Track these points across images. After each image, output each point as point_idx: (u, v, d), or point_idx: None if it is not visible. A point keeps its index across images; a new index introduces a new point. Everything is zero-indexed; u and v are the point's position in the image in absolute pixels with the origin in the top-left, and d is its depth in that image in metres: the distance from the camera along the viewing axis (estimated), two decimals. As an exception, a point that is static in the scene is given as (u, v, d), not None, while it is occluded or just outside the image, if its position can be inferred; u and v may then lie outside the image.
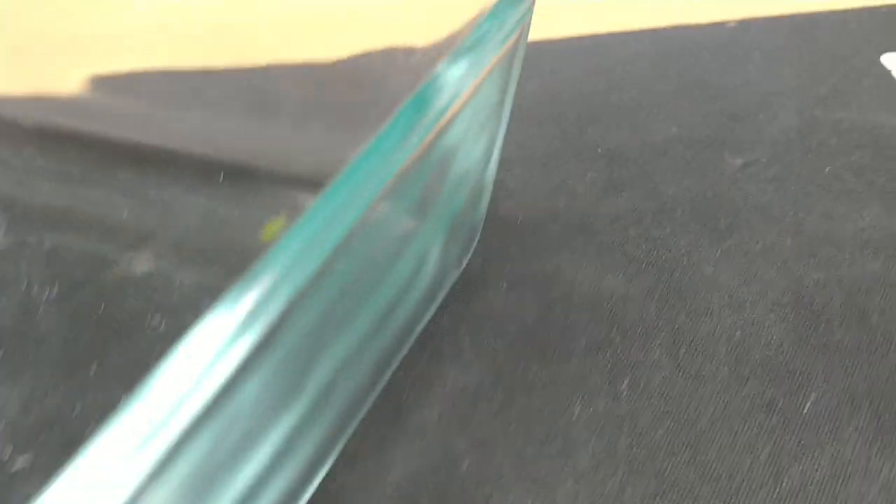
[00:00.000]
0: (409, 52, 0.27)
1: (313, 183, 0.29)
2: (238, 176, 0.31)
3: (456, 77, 0.18)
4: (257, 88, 0.31)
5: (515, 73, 0.23)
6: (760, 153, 0.33)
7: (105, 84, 0.32)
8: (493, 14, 0.20)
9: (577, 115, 0.35)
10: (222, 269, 0.28)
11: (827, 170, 0.32)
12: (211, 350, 0.13)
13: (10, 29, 0.32)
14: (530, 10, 0.21)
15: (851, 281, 0.28)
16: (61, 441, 0.23)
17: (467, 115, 0.20)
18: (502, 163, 0.32)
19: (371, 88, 0.28)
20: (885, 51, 0.38)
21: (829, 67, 0.37)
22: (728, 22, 0.40)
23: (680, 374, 0.26)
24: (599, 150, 0.34)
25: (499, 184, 0.32)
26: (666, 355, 0.26)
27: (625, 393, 0.25)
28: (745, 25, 0.40)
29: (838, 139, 0.33)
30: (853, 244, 0.29)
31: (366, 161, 0.16)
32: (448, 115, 0.18)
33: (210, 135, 0.31)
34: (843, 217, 0.30)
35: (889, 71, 0.36)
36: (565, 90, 0.37)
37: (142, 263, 0.28)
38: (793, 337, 0.26)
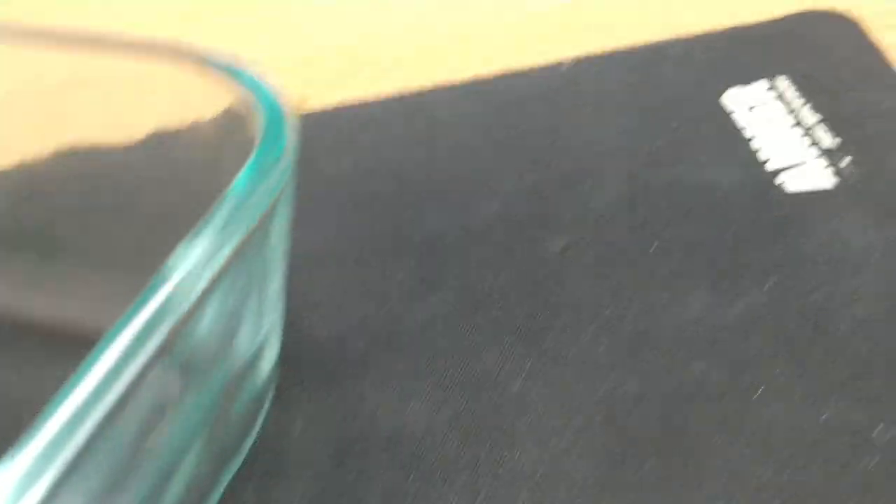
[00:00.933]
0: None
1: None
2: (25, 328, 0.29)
3: (196, 266, 0.18)
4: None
5: (281, 226, 0.21)
6: (583, 232, 0.31)
7: None
8: (244, 181, 0.18)
9: (393, 196, 0.33)
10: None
11: (654, 247, 0.30)
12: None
13: None
14: (290, 166, 0.20)
15: (669, 392, 0.26)
16: None
17: (219, 294, 0.18)
18: (310, 266, 0.30)
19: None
20: (728, 84, 0.36)
21: (666, 114, 0.35)
22: (562, 63, 0.38)
23: (478, 527, 0.24)
24: (416, 240, 0.32)
25: (303, 293, 0.30)
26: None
27: (418, 556, 0.23)
28: (580, 66, 0.38)
29: (668, 206, 0.31)
30: (674, 344, 0.28)
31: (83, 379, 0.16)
32: (190, 307, 0.17)
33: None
34: (665, 309, 0.28)
35: (729, 114, 0.35)
36: (382, 165, 0.35)
37: None
38: (600, 472, 0.25)
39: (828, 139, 0.33)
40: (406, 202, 0.33)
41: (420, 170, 0.35)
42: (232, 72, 0.23)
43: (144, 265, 0.26)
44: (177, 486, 0.22)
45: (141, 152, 0.26)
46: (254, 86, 0.22)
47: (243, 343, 0.22)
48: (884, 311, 0.28)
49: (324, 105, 0.38)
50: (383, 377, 0.28)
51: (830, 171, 0.32)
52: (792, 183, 0.32)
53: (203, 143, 0.25)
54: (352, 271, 0.31)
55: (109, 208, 0.28)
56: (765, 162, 0.33)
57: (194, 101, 0.24)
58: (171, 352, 0.18)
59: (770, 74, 0.36)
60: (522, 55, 0.39)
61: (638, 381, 0.27)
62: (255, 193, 0.20)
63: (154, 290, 0.17)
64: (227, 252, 0.19)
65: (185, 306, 0.18)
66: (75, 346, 0.27)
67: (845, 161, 0.32)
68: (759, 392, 0.26)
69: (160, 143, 0.26)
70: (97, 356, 0.16)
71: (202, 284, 0.19)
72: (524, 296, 0.30)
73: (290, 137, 0.21)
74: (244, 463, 0.26)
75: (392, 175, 0.35)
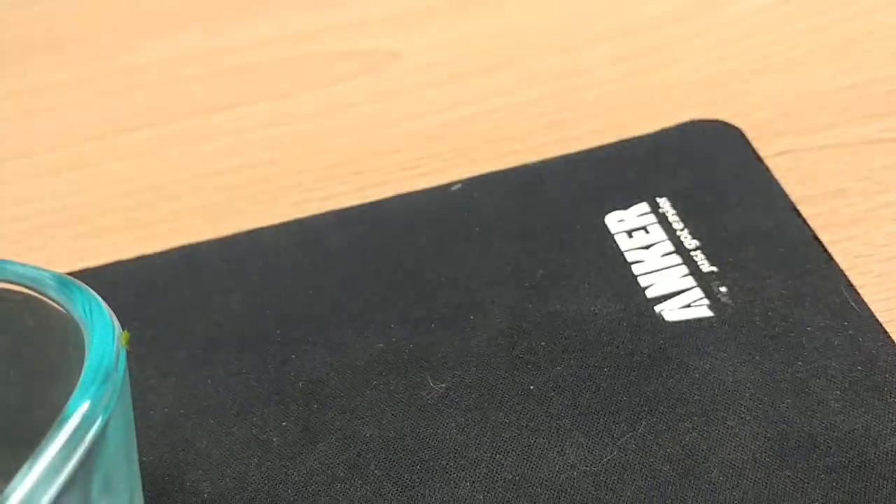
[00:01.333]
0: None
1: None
2: None
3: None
4: None
5: (117, 434, 0.22)
6: (464, 373, 0.32)
7: None
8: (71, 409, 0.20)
9: (280, 336, 0.34)
10: None
11: (532, 388, 0.31)
12: None
13: None
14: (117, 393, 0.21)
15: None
16: None
17: None
18: (194, 417, 0.33)
19: None
20: (611, 206, 0.37)
21: (549, 238, 0.36)
22: (453, 183, 0.39)
23: None
24: (301, 384, 0.32)
25: (184, 449, 0.30)
26: None
27: None
28: (470, 186, 0.39)
29: (547, 342, 0.32)
30: (549, 492, 0.28)
31: None
32: None
33: None
34: (541, 454, 0.29)
35: (612, 234, 0.35)
36: (270, 302, 0.35)
37: None
38: None
39: (706, 265, 0.34)
40: (290, 344, 0.34)
41: (308, 304, 0.35)
42: (64, 292, 0.23)
43: None
44: None
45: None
46: (82, 302, 0.23)
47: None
48: (754, 453, 0.28)
49: (214, 234, 0.38)
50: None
51: (707, 300, 0.33)
52: (670, 313, 0.33)
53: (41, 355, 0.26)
54: (234, 423, 0.32)
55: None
56: (645, 288, 0.34)
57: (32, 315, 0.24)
58: None
59: (651, 196, 0.37)
60: (415, 174, 0.40)
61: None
62: (88, 417, 0.21)
63: None
64: (66, 471, 0.20)
65: None
66: None
67: (723, 289, 0.33)
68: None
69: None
70: None
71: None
72: (406, 444, 0.30)
73: (115, 362, 0.22)
74: None
75: (279, 311, 0.35)
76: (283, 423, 0.31)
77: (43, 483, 0.19)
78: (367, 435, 0.30)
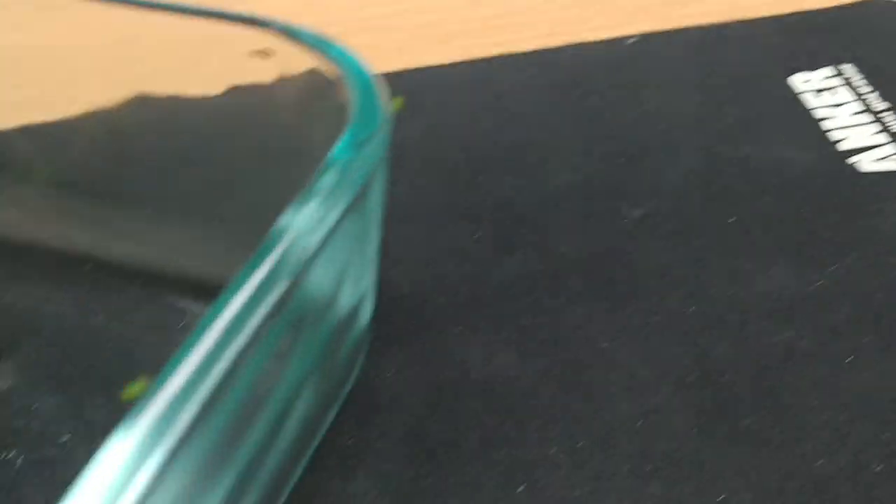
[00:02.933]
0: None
1: (188, 280, 0.29)
2: (108, 268, 0.30)
3: (304, 229, 0.19)
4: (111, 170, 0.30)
5: (379, 190, 0.23)
6: (660, 202, 0.33)
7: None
8: (346, 146, 0.20)
9: (464, 161, 0.35)
10: (85, 387, 0.27)
11: (732, 220, 0.32)
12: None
13: None
14: (388, 127, 0.21)
15: (760, 354, 0.28)
16: None
17: (326, 255, 0.19)
18: (386, 224, 0.32)
19: (245, 183, 0.27)
20: (794, 68, 0.38)
21: (734, 92, 0.37)
22: (628, 37, 0.40)
23: (579, 473, 0.26)
24: (489, 204, 0.33)
25: (383, 250, 0.31)
26: (564, 451, 0.26)
27: (522, 499, 0.25)
28: (646, 41, 0.40)
29: (744, 182, 0.33)
30: (761, 310, 0.29)
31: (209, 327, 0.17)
32: (298, 269, 0.18)
33: (71, 219, 0.30)
34: (749, 278, 0.30)
35: (797, 95, 0.37)
36: (451, 131, 0.36)
37: (1, 378, 0.27)
38: (699, 425, 0.26)
39: (897, 125, 0.35)
40: (477, 169, 0.35)
41: (488, 137, 0.36)
42: (319, 43, 0.24)
43: (218, 214, 0.28)
44: (292, 425, 0.23)
45: (219, 106, 0.28)
46: (342, 58, 0.24)
47: (346, 298, 0.24)
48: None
49: (389, 68, 0.39)
50: (468, 331, 0.29)
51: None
52: (865, 164, 0.34)
53: (282, 106, 0.27)
54: (427, 232, 0.33)
55: (184, 157, 0.29)
56: (837, 142, 0.35)
57: (278, 69, 0.25)
58: (285, 308, 0.19)
59: (836, 62, 0.39)
60: (586, 29, 0.41)
61: (728, 346, 0.28)
62: (359, 161, 0.21)
63: (269, 249, 0.19)
64: (334, 215, 0.20)
65: (298, 265, 0.19)
66: (156, 289, 0.29)
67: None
68: (850, 359, 0.28)
69: (239, 100, 0.27)
70: (216, 313, 0.18)
71: (312, 246, 0.20)
72: (604, 261, 0.31)
73: (385, 108, 0.22)
74: (343, 406, 0.27)
75: (461, 143, 0.36)
76: (477, 235, 0.32)
77: (316, 216, 0.20)
78: (564, 251, 0.31)
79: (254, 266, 0.18)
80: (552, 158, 0.34)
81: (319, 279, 0.21)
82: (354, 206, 0.21)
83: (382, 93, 0.23)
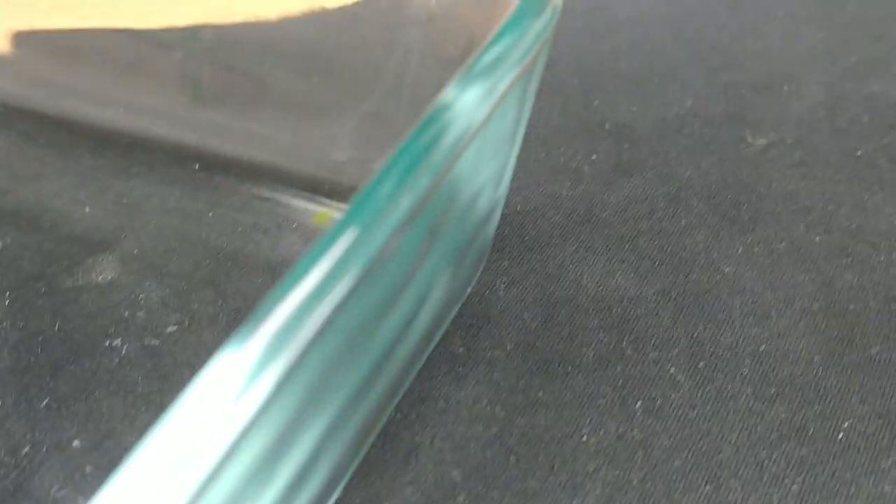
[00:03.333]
0: (412, 43, 0.26)
1: (299, 180, 0.28)
2: (215, 167, 0.30)
3: (467, 106, 0.17)
4: (236, 68, 0.30)
5: (534, 87, 0.22)
6: (785, 133, 0.32)
7: (49, 50, 0.31)
8: (511, 26, 0.19)
9: (580, 84, 0.34)
10: (191, 281, 0.27)
11: (858, 153, 0.31)
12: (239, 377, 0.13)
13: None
14: (554, 17, 0.20)
15: (888, 285, 0.27)
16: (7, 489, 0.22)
17: (479, 143, 0.18)
18: None
19: (367, 81, 0.27)
20: (922, 12, 0.37)
21: (860, 32, 0.36)
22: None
23: (699, 393, 0.25)
24: (606, 126, 0.33)
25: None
26: (683, 371, 0.25)
27: (638, 415, 0.24)
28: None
29: (870, 117, 0.32)
30: (889, 242, 0.28)
31: (370, 201, 0.15)
32: (458, 149, 0.17)
33: (180, 117, 0.30)
34: (876, 209, 0.29)
35: (925, 37, 0.35)
36: (566, 56, 0.36)
37: (104, 270, 0.27)
38: (824, 351, 0.26)
39: None
40: (592, 92, 0.34)
41: (604, 63, 0.36)
42: None
43: (338, 118, 0.27)
44: (418, 327, 0.23)
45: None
46: None
47: (484, 201, 0.23)
48: None
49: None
50: (584, 249, 0.29)
51: None
52: None
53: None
54: (541, 152, 0.32)
55: (310, 61, 0.29)
56: (968, 83, 0.34)
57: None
58: (434, 197, 0.18)
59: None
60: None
61: (855, 274, 0.28)
62: (527, 32, 0.20)
63: (433, 121, 0.18)
64: (501, 89, 0.19)
65: (462, 135, 0.18)
66: (266, 189, 0.28)
67: None
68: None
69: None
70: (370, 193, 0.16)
71: (475, 123, 0.18)
72: (728, 186, 0.30)
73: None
74: (455, 317, 0.27)
75: (576, 67, 0.36)
76: (594, 157, 0.31)
77: (482, 89, 0.18)
78: (686, 175, 0.31)
79: (414, 140, 0.17)
80: (671, 86, 0.34)
81: (468, 172, 0.20)
82: (515, 89, 0.20)
83: None
